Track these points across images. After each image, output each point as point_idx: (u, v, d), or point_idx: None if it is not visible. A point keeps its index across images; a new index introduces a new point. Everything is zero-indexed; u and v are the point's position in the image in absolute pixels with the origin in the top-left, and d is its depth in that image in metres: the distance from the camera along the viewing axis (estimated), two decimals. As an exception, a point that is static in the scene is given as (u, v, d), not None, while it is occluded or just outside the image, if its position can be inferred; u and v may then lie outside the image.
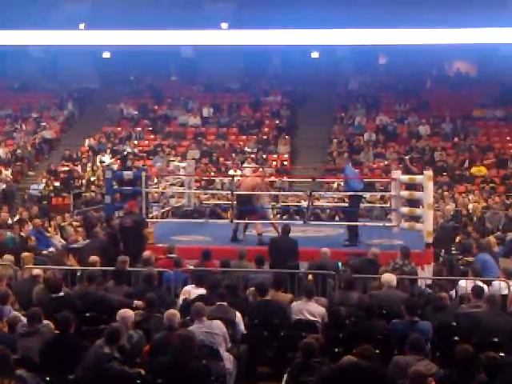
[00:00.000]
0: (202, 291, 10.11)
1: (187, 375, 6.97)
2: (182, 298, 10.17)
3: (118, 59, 32.39)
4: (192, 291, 10.21)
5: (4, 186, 24.55)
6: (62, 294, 9.62)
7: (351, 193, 14.68)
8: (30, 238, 14.91)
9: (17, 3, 29.67)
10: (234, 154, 27.62)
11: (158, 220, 16.49)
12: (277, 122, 30.55)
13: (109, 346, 7.28)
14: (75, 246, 14.52)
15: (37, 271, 10.86)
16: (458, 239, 15.82)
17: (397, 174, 16.02)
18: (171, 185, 18.92)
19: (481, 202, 21.41)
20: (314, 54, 32.00)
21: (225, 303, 9.09)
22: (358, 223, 14.74)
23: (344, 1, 28.69)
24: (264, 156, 27.52)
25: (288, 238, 12.98)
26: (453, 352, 6.86)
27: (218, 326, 8.38)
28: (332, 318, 9.14)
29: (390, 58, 34.04)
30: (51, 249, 14.98)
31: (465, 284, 10.82)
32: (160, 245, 13.52)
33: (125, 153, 27.61)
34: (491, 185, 24.07)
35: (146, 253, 11.94)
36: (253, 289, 10.30)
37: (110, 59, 33.02)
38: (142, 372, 7.33)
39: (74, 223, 17.87)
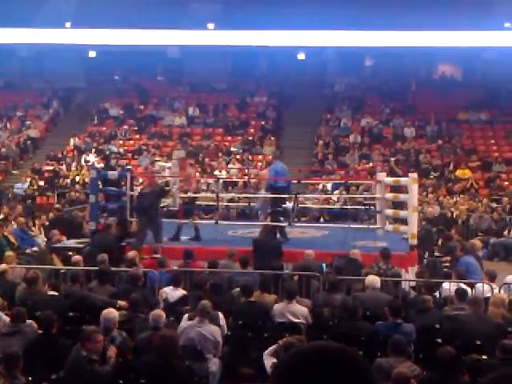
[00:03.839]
0: (180, 292, 10.12)
1: (170, 375, 6.97)
2: (160, 298, 10.18)
3: (103, 58, 32.26)
4: (169, 293, 10.22)
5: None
6: (53, 292, 9.69)
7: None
8: (11, 236, 14.89)
9: (2, 1, 29.50)
10: (220, 154, 27.60)
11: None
12: (263, 122, 30.56)
13: (85, 350, 7.25)
14: (58, 245, 14.43)
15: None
16: (441, 241, 15.86)
17: (382, 176, 16.05)
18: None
19: (465, 204, 21.48)
20: (301, 56, 31.98)
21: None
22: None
23: (331, 3, 28.71)
24: (250, 157, 27.53)
25: (270, 237, 13.01)
26: (436, 354, 6.88)
27: (213, 332, 8.37)
28: (316, 320, 9.15)
29: (376, 60, 34.09)
30: (35, 248, 14.91)
31: (448, 286, 10.85)
32: (145, 245, 13.48)
33: (107, 152, 27.55)
34: (475, 187, 24.20)
35: (131, 253, 11.92)
36: (238, 290, 10.31)
37: (95, 58, 32.89)
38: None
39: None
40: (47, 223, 17.44)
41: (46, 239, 16.14)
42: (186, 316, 8.87)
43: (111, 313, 8.23)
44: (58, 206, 18.84)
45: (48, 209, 20.09)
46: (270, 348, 7.92)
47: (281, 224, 14.70)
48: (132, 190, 15.45)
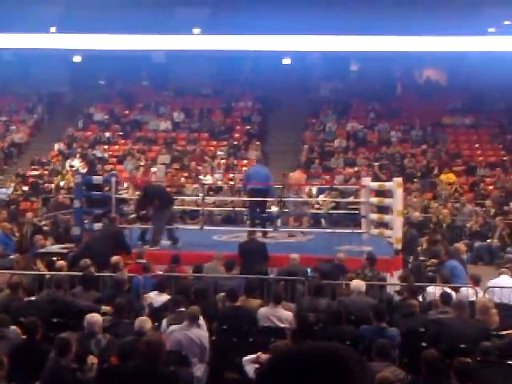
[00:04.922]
0: (165, 298, 10.10)
1: (154, 381, 6.94)
2: (145, 304, 10.14)
3: (88, 63, 32.15)
4: (154, 298, 10.20)
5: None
6: (33, 298, 9.64)
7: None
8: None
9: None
10: (206, 157, 27.59)
11: (128, 226, 16.34)
12: (248, 127, 30.55)
13: (62, 359, 7.17)
14: (42, 250, 14.34)
15: None
16: (425, 245, 15.91)
17: (367, 180, 16.09)
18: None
19: (450, 208, 21.52)
20: (286, 60, 32.04)
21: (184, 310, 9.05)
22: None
23: (316, 8, 28.77)
24: (235, 161, 27.53)
25: (256, 241, 13.05)
26: (419, 357, 6.89)
27: (200, 336, 8.35)
28: (300, 324, 9.14)
29: (361, 65, 34.21)
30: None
31: (433, 290, 10.88)
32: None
33: (91, 157, 27.48)
34: (459, 191, 24.25)
35: (115, 258, 11.88)
36: (223, 294, 10.29)
37: (80, 63, 32.80)
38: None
39: (43, 228, 17.71)
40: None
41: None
42: (164, 321, 8.84)
43: (94, 316, 8.22)
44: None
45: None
46: (250, 356, 7.94)
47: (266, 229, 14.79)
48: (117, 194, 15.43)
